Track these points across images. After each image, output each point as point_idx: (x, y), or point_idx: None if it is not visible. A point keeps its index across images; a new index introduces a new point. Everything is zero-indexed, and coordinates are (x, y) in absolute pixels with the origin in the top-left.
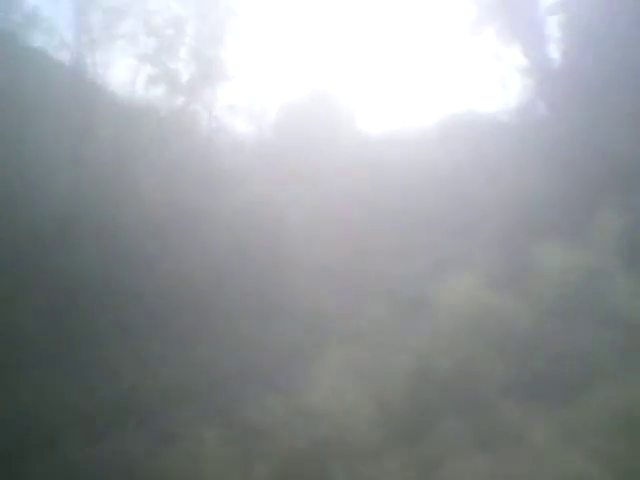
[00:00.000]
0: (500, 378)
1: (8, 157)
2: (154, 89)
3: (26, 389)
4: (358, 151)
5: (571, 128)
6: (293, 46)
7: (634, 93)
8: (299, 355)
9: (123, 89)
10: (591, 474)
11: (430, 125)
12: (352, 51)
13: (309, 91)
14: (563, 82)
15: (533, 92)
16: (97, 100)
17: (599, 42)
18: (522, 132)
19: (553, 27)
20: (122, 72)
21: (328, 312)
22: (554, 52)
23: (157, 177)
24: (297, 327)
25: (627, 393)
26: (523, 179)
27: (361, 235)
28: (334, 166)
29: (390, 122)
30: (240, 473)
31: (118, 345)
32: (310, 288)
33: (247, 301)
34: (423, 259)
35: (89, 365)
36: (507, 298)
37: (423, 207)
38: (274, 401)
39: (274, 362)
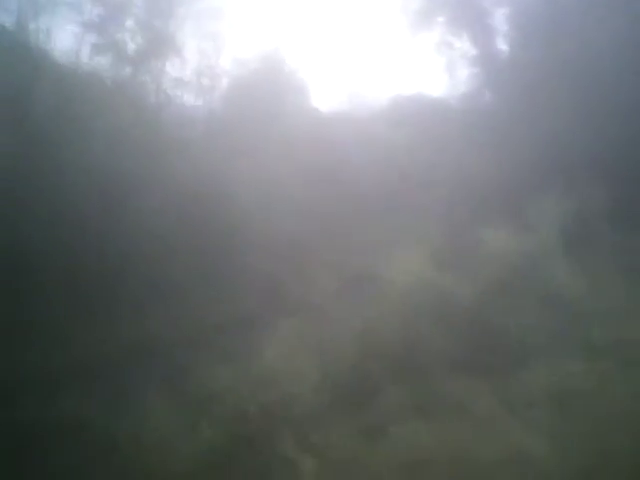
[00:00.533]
0: (443, 351)
1: None
2: (99, 59)
3: None
4: (309, 127)
5: (516, 115)
6: (245, 18)
7: (577, 82)
8: (249, 324)
9: (67, 57)
10: (528, 443)
11: (381, 105)
12: (306, 29)
13: (261, 66)
14: (509, 72)
15: (480, 80)
16: (40, 66)
17: (545, 34)
18: (469, 117)
19: (501, 19)
20: (66, 40)
21: (277, 283)
22: (501, 43)
23: (102, 147)
24: (247, 297)
25: (562, 368)
26: (469, 162)
27: (310, 210)
28: (284, 141)
29: (342, 101)
30: (188, 437)
31: (69, 310)
32: (260, 260)
33: (196, 271)
34: (371, 235)
35: (38, 328)
36: (451, 275)
37: (372, 185)
38: (224, 368)
39: (224, 331)
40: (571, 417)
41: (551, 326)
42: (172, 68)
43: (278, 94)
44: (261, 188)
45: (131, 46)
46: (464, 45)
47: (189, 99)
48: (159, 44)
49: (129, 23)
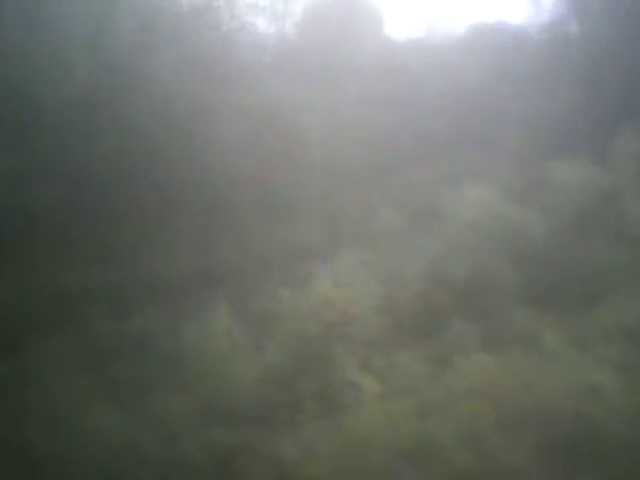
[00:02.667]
0: (513, 288)
1: (28, 40)
2: None
3: (45, 266)
4: (383, 56)
5: (602, 48)
6: None
7: None
8: (313, 253)
9: None
10: (600, 380)
11: (458, 33)
12: None
13: None
14: (596, 1)
15: (565, 9)
16: None
17: None
18: (551, 48)
19: None
20: None
21: (343, 214)
22: None
23: (176, 71)
24: (312, 226)
25: (635, 305)
26: (548, 95)
27: (379, 141)
28: (358, 69)
29: (417, 29)
30: (250, 353)
31: (137, 232)
32: (325, 190)
33: (264, 199)
34: (441, 168)
35: (108, 246)
36: (522, 210)
37: (445, 116)
38: (287, 292)
39: (289, 258)
40: None
41: (624, 263)
42: None
43: (352, 21)
44: (331, 117)
45: None
46: None
47: (262, 25)
48: None
49: None
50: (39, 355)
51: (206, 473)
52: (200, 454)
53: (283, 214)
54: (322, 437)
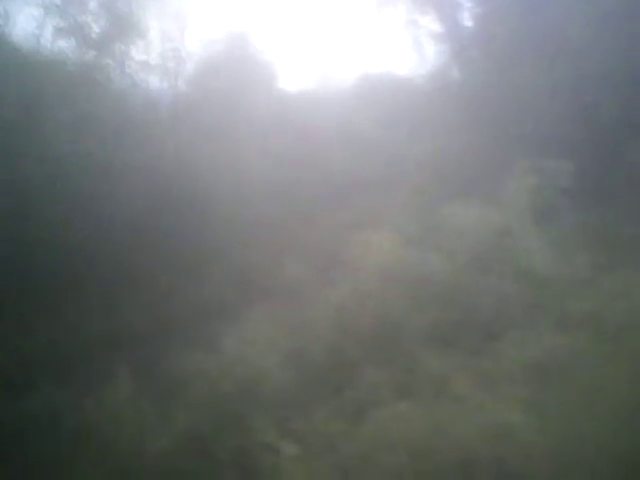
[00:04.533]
0: (419, 331)
1: None
2: (62, 42)
3: None
4: (276, 108)
5: (484, 92)
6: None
7: (545, 58)
8: (222, 309)
9: (28, 41)
10: (509, 419)
11: (348, 85)
12: (272, 9)
13: (227, 47)
14: (476, 48)
15: (447, 57)
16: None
17: (510, 8)
18: (437, 95)
19: None
20: (27, 23)
21: (249, 267)
22: (467, 19)
23: (66, 132)
24: (220, 283)
25: (537, 341)
26: (438, 140)
27: (280, 192)
28: (252, 123)
29: (308, 81)
30: (159, 422)
31: (35, 299)
32: (230, 244)
33: (167, 257)
34: (341, 216)
35: (2, 319)
36: (423, 253)
37: (340, 165)
38: (196, 354)
39: (196, 316)
40: (549, 389)
41: (524, 299)
42: (137, 51)
43: (244, 76)
44: (228, 172)
45: (94, 29)
46: (430, 22)
47: (154, 82)
48: (123, 27)
49: (92, 5)
50: None
51: None
52: None
53: (189, 272)
54: None
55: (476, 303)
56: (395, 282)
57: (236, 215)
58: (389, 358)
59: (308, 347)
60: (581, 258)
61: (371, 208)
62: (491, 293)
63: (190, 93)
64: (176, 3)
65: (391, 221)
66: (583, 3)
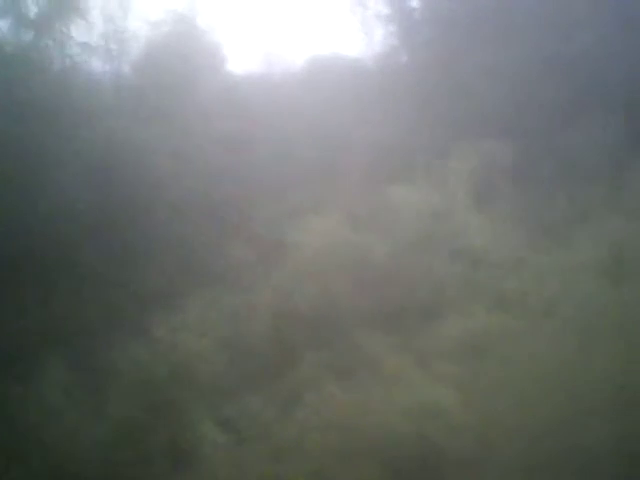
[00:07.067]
0: (359, 312)
1: None
2: None
3: None
4: (223, 91)
5: (429, 74)
6: None
7: (491, 41)
8: (163, 298)
9: None
10: (438, 397)
11: (296, 67)
12: None
13: (172, 28)
14: (423, 30)
15: (395, 39)
16: None
17: None
18: (384, 77)
19: None
20: None
21: (193, 254)
22: (415, 0)
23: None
24: (162, 270)
25: (473, 320)
26: (384, 122)
27: (224, 176)
28: (198, 106)
29: (255, 63)
30: (93, 412)
31: None
32: (173, 230)
33: (108, 245)
34: (285, 200)
35: None
36: (364, 236)
37: (287, 149)
38: (133, 343)
39: (138, 306)
40: (482, 367)
41: (460, 279)
42: (78, 32)
43: (190, 58)
44: (172, 157)
45: (33, 8)
46: (378, 4)
47: (97, 64)
48: (63, 6)
49: None
50: None
51: None
52: None
53: (131, 259)
54: None
55: (415, 284)
56: (336, 265)
57: (180, 201)
58: (328, 340)
59: (246, 331)
60: (517, 239)
61: (316, 192)
62: (430, 274)
63: (133, 76)
64: None
65: (335, 204)
66: None
